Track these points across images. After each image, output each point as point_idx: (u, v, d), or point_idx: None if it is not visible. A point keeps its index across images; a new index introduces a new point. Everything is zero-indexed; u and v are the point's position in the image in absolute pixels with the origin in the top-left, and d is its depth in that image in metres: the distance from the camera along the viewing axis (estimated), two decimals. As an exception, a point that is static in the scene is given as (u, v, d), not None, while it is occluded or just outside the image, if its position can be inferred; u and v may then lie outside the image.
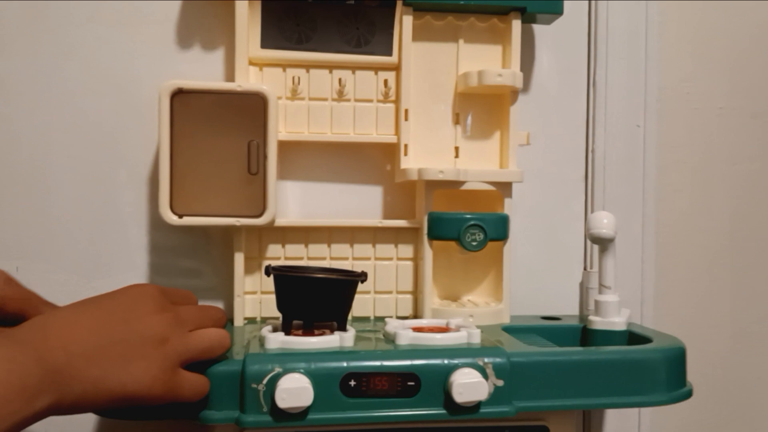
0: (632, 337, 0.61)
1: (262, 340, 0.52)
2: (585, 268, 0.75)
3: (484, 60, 0.68)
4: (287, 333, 0.53)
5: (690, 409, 0.76)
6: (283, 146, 0.67)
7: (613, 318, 0.61)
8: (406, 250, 0.68)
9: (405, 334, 0.54)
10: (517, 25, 0.67)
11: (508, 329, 0.63)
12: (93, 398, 0.40)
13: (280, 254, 0.66)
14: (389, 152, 0.70)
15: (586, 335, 0.64)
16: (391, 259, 0.68)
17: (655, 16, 0.76)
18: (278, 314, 0.55)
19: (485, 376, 0.49)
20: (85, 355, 0.40)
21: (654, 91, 0.76)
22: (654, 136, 0.76)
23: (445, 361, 0.50)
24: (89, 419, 0.67)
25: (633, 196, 0.75)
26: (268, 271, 0.54)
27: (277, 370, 0.47)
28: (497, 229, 0.64)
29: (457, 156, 0.69)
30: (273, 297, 0.55)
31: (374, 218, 0.69)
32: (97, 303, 0.44)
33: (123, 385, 0.41)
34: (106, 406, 0.41)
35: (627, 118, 0.75)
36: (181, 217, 0.61)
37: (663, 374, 0.53)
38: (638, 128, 0.75)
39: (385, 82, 0.67)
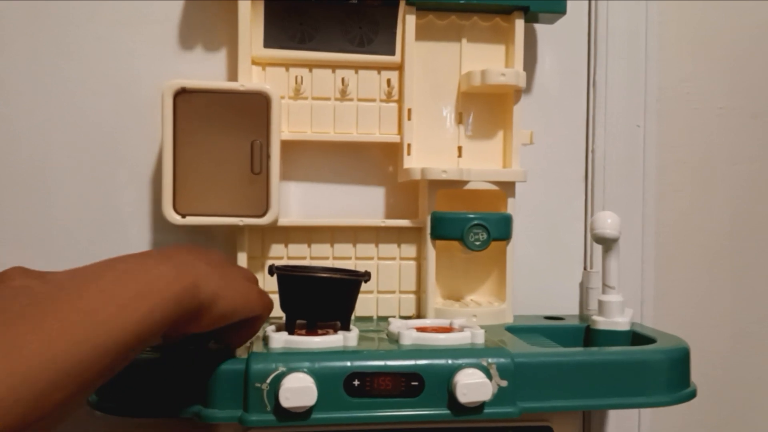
0: (636, 337, 0.61)
1: (265, 340, 0.52)
2: (585, 268, 0.75)
3: (487, 59, 0.68)
4: (291, 332, 0.53)
5: (690, 409, 0.76)
6: (286, 146, 0.66)
7: (616, 318, 0.61)
8: (409, 249, 0.68)
9: (408, 334, 0.54)
10: (520, 24, 0.67)
11: (511, 329, 0.63)
12: (224, 297, 0.43)
13: (282, 254, 0.66)
14: (392, 152, 0.70)
15: (589, 335, 0.64)
16: (394, 258, 0.68)
17: (655, 16, 0.76)
18: (281, 313, 0.55)
19: (489, 377, 0.49)
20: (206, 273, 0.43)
21: (654, 91, 0.76)
22: (654, 136, 0.76)
23: (449, 362, 0.49)
24: (89, 420, 0.66)
25: (633, 196, 0.75)
26: (272, 270, 0.54)
27: (281, 369, 0.47)
28: (500, 229, 0.64)
29: (460, 155, 0.69)
30: (275, 296, 0.55)
31: (377, 218, 0.69)
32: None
33: (242, 293, 0.45)
34: (231, 314, 0.44)
35: (627, 118, 0.75)
36: (183, 216, 0.60)
37: (667, 375, 0.53)
38: (638, 128, 0.75)
39: (388, 81, 0.67)
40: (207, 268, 0.43)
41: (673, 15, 0.77)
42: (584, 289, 0.74)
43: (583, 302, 0.75)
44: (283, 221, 0.65)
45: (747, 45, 0.79)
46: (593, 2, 0.74)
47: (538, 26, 0.73)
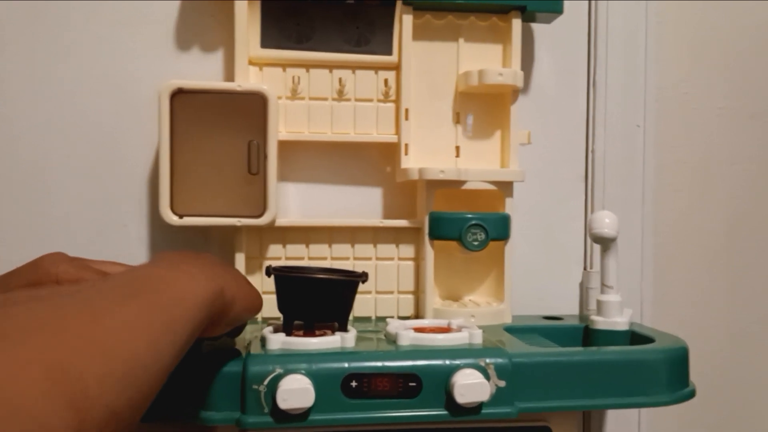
0: (634, 337, 0.61)
1: (263, 341, 0.52)
2: (585, 268, 0.75)
3: (484, 59, 0.68)
4: (288, 334, 0.53)
5: (689, 408, 0.75)
6: (284, 146, 0.66)
7: (615, 318, 0.61)
8: (407, 250, 0.68)
9: (406, 335, 0.53)
10: (517, 24, 0.67)
11: (510, 329, 0.63)
12: (240, 300, 0.44)
13: (280, 254, 0.66)
14: (390, 152, 0.69)
15: (588, 335, 0.64)
16: (392, 259, 0.68)
17: (654, 16, 0.75)
18: (279, 314, 0.55)
19: (487, 377, 0.49)
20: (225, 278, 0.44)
21: (653, 92, 0.76)
22: (653, 136, 0.76)
23: (447, 362, 0.49)
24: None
25: (632, 196, 0.75)
26: (269, 271, 0.53)
27: (279, 371, 0.47)
28: (498, 229, 0.64)
29: (458, 155, 0.69)
30: (274, 297, 0.55)
31: (375, 218, 0.69)
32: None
33: (251, 294, 0.47)
34: (242, 316, 0.46)
35: (626, 118, 0.75)
36: (181, 217, 0.60)
37: (666, 374, 0.53)
38: (638, 128, 0.75)
39: (386, 81, 0.67)
40: (224, 272, 0.44)
41: (672, 15, 0.77)
42: (584, 289, 0.74)
43: (583, 302, 0.74)
44: (280, 222, 0.65)
45: (746, 45, 0.79)
46: (593, 2, 0.74)
47: (537, 26, 0.73)
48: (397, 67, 0.67)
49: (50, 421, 0.25)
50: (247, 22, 0.63)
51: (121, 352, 0.31)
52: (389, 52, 0.66)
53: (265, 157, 0.61)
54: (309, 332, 0.54)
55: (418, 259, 0.68)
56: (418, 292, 0.68)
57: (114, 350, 0.30)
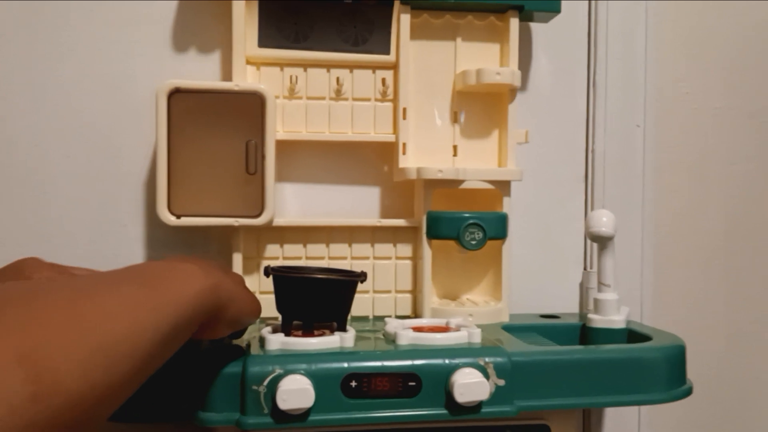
0: (632, 335, 0.61)
1: (262, 341, 0.52)
2: (585, 268, 0.75)
3: (482, 58, 0.68)
4: (287, 334, 0.53)
5: (687, 407, 0.76)
6: (281, 146, 0.66)
7: (612, 316, 0.61)
8: (405, 249, 0.68)
9: (405, 334, 0.53)
10: (514, 23, 0.67)
11: (508, 328, 0.63)
12: (238, 301, 0.44)
13: (278, 254, 0.66)
14: (387, 151, 0.69)
15: (585, 333, 0.64)
16: (390, 258, 0.68)
17: (653, 16, 0.76)
18: (277, 315, 0.55)
19: (486, 376, 0.49)
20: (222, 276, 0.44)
21: (653, 91, 0.76)
22: (653, 136, 0.76)
23: (446, 361, 0.49)
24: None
25: (632, 196, 0.75)
26: (267, 272, 0.53)
27: (278, 371, 0.47)
28: (496, 228, 0.64)
29: (455, 155, 0.69)
30: (272, 297, 0.54)
31: (373, 218, 0.69)
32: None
33: (251, 298, 0.47)
34: (240, 319, 0.45)
35: (626, 118, 0.75)
36: (178, 217, 0.60)
37: (663, 372, 0.53)
38: (638, 128, 0.75)
39: (383, 80, 0.67)
40: (223, 273, 0.44)
41: (671, 15, 0.77)
42: (584, 290, 0.74)
43: (583, 302, 0.75)
44: (278, 221, 0.65)
45: (744, 45, 0.79)
46: (592, 2, 0.74)
47: (537, 26, 0.73)
48: (394, 67, 0.67)
49: (8, 399, 0.26)
50: (245, 21, 0.63)
51: (95, 338, 0.30)
52: (387, 52, 0.66)
53: (263, 156, 0.61)
54: (308, 332, 0.54)
55: (415, 259, 0.68)
56: (415, 292, 0.68)
57: (87, 336, 0.30)
